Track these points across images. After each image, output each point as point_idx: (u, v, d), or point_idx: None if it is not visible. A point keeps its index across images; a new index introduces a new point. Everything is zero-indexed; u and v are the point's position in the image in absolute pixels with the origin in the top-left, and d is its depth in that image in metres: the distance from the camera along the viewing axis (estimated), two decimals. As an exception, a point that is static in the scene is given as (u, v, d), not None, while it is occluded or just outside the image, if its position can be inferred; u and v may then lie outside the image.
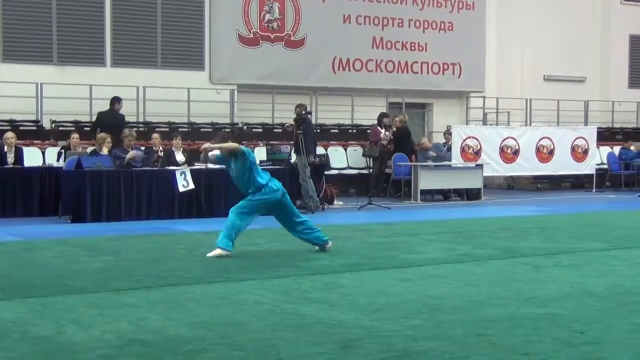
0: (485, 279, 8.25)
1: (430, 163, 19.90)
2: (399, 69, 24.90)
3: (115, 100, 18.56)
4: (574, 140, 22.79)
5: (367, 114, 22.74)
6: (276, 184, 10.11)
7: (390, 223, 14.26)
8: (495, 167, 21.41)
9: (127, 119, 20.39)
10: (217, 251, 9.77)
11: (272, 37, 23.14)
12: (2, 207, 15.07)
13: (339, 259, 9.55)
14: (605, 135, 26.47)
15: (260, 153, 19.29)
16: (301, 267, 8.97)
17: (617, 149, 24.87)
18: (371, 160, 19.64)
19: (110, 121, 18.04)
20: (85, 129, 19.36)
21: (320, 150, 19.48)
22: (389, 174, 20.64)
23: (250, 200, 9.97)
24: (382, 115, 21.13)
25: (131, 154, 15.30)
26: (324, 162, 18.78)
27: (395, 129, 21.02)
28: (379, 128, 20.72)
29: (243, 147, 10.06)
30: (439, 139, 23.13)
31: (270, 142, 20.03)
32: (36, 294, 7.41)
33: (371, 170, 19.72)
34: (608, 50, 28.74)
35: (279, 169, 16.10)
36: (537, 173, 23.09)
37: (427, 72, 25.35)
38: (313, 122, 20.10)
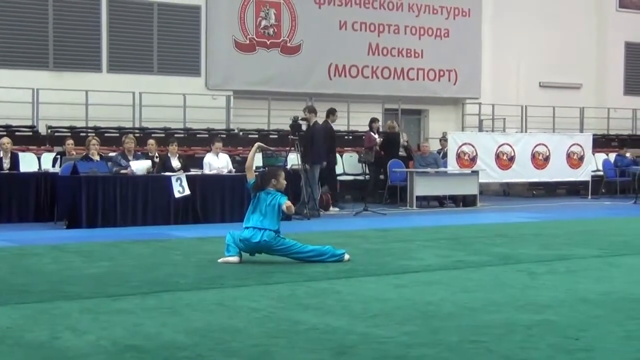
0: (481, 285, 8.24)
1: (429, 170, 19.85)
2: (394, 75, 24.97)
3: (331, 112, 18.77)
4: (570, 147, 22.80)
5: (363, 120, 22.71)
6: (246, 234, 9.61)
7: (385, 229, 14.25)
8: (491, 173, 21.39)
9: (122, 124, 20.46)
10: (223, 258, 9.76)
11: (268, 43, 23.18)
12: (-2, 213, 15.08)
13: (333, 265, 9.52)
14: (601, 142, 26.52)
15: (256, 159, 19.26)
16: (295, 274, 8.95)
17: (612, 156, 24.83)
18: (367, 166, 19.65)
19: (328, 133, 18.27)
20: (82, 134, 19.34)
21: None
22: (384, 180, 20.63)
23: None
24: (372, 121, 21.09)
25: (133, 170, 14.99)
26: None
27: (385, 134, 21.00)
28: (372, 133, 20.72)
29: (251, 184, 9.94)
30: (434, 145, 23.15)
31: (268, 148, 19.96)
32: (31, 299, 7.39)
33: (368, 177, 19.72)
34: (604, 57, 28.82)
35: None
36: (533, 180, 23.09)
37: (423, 79, 25.42)
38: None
